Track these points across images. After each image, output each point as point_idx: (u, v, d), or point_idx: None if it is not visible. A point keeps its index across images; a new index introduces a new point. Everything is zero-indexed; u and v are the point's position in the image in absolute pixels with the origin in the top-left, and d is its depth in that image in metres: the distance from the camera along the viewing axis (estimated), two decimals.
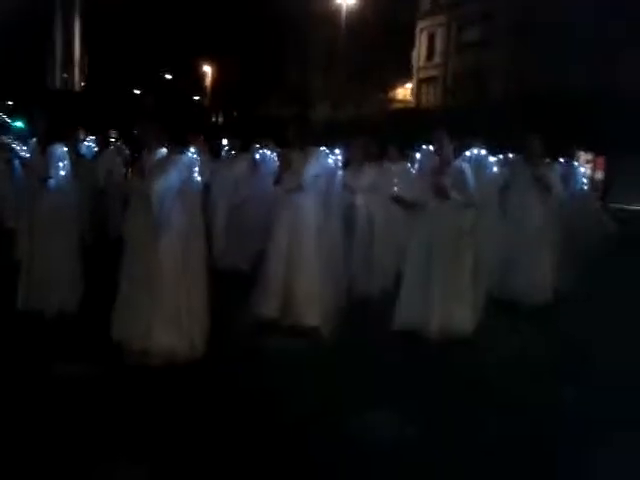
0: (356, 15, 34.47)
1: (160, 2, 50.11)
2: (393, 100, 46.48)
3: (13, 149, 8.56)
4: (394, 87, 47.15)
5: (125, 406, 3.67)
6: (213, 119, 48.26)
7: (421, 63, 41.96)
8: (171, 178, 4.06)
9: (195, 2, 49.33)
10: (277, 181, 5.46)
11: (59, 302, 5.18)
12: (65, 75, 49.89)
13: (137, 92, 51.81)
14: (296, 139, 5.40)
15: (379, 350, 4.95)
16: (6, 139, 10.38)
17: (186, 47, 51.06)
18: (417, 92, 42.36)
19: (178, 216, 4.12)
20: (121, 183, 8.57)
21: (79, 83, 50.42)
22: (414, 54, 42.61)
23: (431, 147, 5.40)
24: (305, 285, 5.08)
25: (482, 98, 33.41)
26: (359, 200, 6.37)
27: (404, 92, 46.79)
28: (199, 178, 8.26)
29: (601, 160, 24.51)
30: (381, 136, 8.52)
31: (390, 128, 21.24)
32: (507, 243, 6.43)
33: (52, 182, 5.09)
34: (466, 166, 5.17)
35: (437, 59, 40.60)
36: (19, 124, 28.70)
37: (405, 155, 8.25)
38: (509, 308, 6.12)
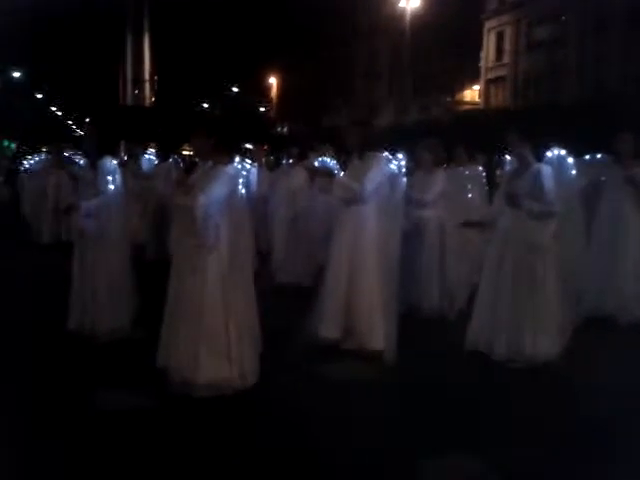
0: (421, 19, 33.78)
1: (226, 17, 51.09)
2: (460, 102, 45.41)
3: (78, 163, 8.53)
4: (461, 89, 46.08)
5: (166, 441, 3.35)
6: (278, 129, 48.65)
7: (489, 64, 40.77)
8: (216, 192, 3.73)
9: (261, 15, 50.01)
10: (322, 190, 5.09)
11: (110, 323, 4.95)
12: (136, 91, 51.62)
13: (205, 106, 53.02)
14: (355, 144, 4.96)
15: (449, 376, 4.43)
16: (72, 154, 10.43)
17: (252, 59, 51.89)
18: (485, 93, 41.15)
19: (224, 232, 3.78)
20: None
21: (149, 99, 52.05)
22: (482, 55, 41.47)
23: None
24: (368, 305, 4.63)
25: (555, 99, 31.97)
26: (428, 212, 5.82)
27: (472, 94, 45.64)
28: (256, 189, 8.07)
29: None
30: (448, 139, 7.96)
31: (457, 130, 20.49)
32: (599, 254, 5.76)
33: (102, 197, 4.87)
34: (547, 169, 4.55)
35: (506, 59, 39.31)
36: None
37: (474, 158, 7.67)
38: (604, 327, 5.44)
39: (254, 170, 7.63)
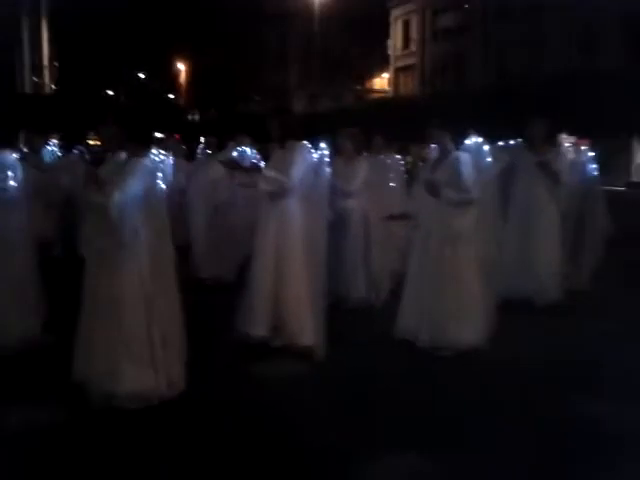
0: (330, 8, 33.85)
1: (132, 1, 49.11)
2: (370, 90, 46.10)
3: None
4: (371, 77, 46.74)
5: (83, 460, 3.09)
6: (189, 117, 47.43)
7: (397, 52, 41.49)
8: (133, 187, 3.46)
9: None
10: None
11: (17, 330, 4.55)
12: (35, 79, 48.73)
13: (110, 93, 50.82)
14: (277, 134, 4.80)
15: (378, 367, 4.41)
16: None
17: (158, 44, 50.14)
18: (394, 81, 41.88)
19: (143, 229, 3.51)
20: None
21: (50, 86, 49.31)
22: (389, 43, 42.12)
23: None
24: (296, 301, 4.50)
25: (461, 85, 33.00)
26: (352, 202, 5.75)
27: (381, 82, 46.38)
28: (174, 181, 7.72)
29: (582, 143, 24.18)
30: (362, 127, 7.95)
31: (369, 119, 20.71)
32: (514, 238, 5.91)
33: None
34: (465, 157, 4.58)
35: (413, 47, 40.12)
36: None
37: (390, 146, 7.70)
38: (520, 310, 5.60)
39: (169, 161, 7.29)
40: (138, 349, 3.45)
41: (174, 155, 7.91)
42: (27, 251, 4.73)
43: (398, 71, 41.65)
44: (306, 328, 4.44)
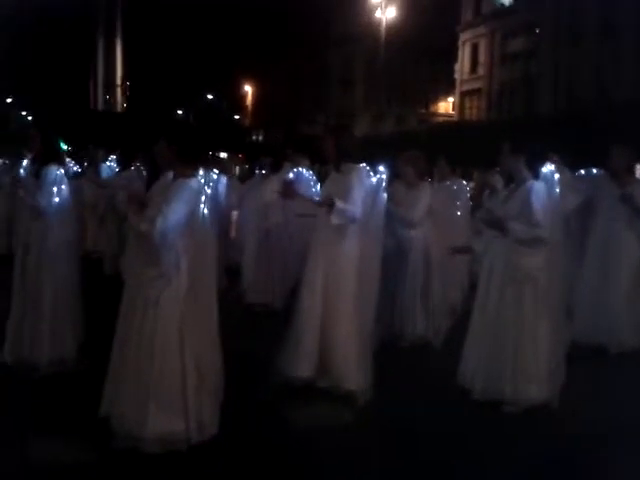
0: (397, 29, 33.62)
1: (202, 23, 50.60)
2: (435, 114, 45.55)
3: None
4: (436, 101, 46.24)
5: None
6: (254, 137, 48.13)
7: (464, 76, 40.84)
8: (177, 212, 3.16)
9: (236, 23, 49.65)
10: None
11: (53, 353, 4.36)
12: (108, 97, 50.92)
13: (179, 112, 52.28)
14: (332, 154, 4.40)
15: (428, 420, 3.92)
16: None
17: (227, 66, 51.40)
18: (460, 105, 41.19)
19: (185, 259, 3.21)
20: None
21: (121, 104, 51.32)
22: (456, 67, 41.57)
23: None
24: (344, 340, 4.08)
25: (530, 110, 32.03)
26: (413, 232, 5.25)
27: (446, 106, 45.79)
28: (227, 201, 7.52)
29: None
30: (425, 151, 7.51)
31: (434, 142, 20.21)
32: (589, 278, 5.34)
33: (45, 210, 4.29)
34: (538, 187, 3.99)
35: (481, 71, 39.41)
36: (63, 145, 28.79)
37: (455, 171, 7.24)
38: (594, 357, 5.01)
39: (223, 180, 7.08)
40: (169, 395, 3.13)
41: (229, 175, 7.71)
42: (71, 267, 4.56)
43: (464, 95, 40.97)
44: (351, 371, 4.02)
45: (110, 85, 50.94)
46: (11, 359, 4.39)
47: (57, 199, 4.33)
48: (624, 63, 27.21)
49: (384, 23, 32.14)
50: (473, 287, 5.70)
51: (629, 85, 25.97)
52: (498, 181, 7.56)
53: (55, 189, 4.33)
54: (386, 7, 31.94)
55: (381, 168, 4.42)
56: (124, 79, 53.60)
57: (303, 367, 4.06)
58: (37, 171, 4.38)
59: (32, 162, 4.52)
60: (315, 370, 4.08)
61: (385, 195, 4.38)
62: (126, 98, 53.96)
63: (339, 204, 4.04)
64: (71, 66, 46.92)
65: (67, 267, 4.51)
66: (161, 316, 3.12)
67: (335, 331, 4.09)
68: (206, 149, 3.88)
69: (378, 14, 32.36)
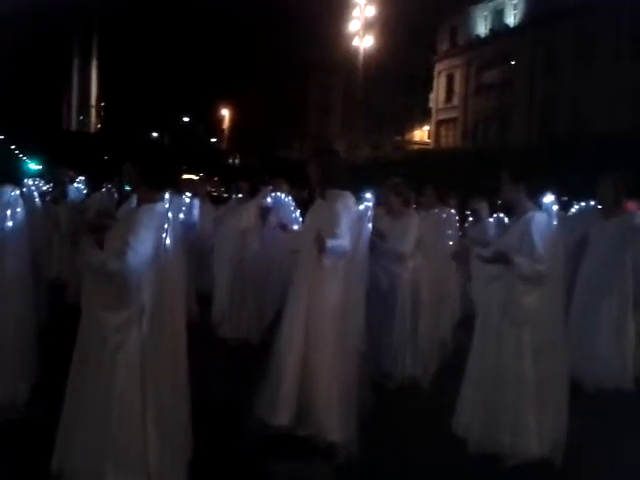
0: (374, 58, 33.84)
1: (179, 46, 50.55)
2: (410, 142, 45.92)
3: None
4: (411, 129, 46.68)
5: None
6: (230, 161, 47.86)
7: (439, 105, 41.34)
8: (144, 243, 2.74)
9: (214, 47, 49.72)
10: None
11: (2, 397, 3.88)
12: (81, 117, 50.27)
13: (155, 135, 51.88)
14: (317, 180, 4.04)
15: (420, 469, 3.55)
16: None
17: (204, 90, 51.25)
18: (436, 134, 41.58)
19: (148, 296, 2.78)
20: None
21: (95, 125, 50.69)
22: (432, 96, 42.04)
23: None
24: (325, 386, 3.68)
25: (504, 140, 32.35)
26: (401, 265, 4.86)
27: (421, 134, 46.22)
28: (200, 225, 7.11)
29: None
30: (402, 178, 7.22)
31: (409, 169, 20.10)
32: (578, 317, 5.04)
33: None
34: (540, 218, 3.68)
35: (456, 101, 39.92)
36: (34, 166, 28.06)
37: (444, 199, 6.95)
38: (589, 398, 4.68)
39: (196, 202, 6.67)
40: (128, 452, 2.69)
41: (202, 198, 7.29)
42: (24, 301, 4.09)
43: (440, 124, 41.40)
44: (333, 419, 3.61)
45: (85, 106, 50.45)
46: None
47: (10, 223, 3.89)
48: (599, 94, 27.67)
49: (361, 51, 32.33)
50: (466, 319, 5.40)
51: (605, 117, 26.36)
52: (483, 208, 7.34)
53: (9, 212, 3.89)
54: (364, 36, 32.14)
55: (367, 195, 4.08)
56: (99, 100, 53.11)
57: (281, 414, 3.64)
58: None
59: None
60: (294, 417, 3.66)
61: (370, 225, 4.02)
62: (100, 119, 53.46)
63: (330, 243, 3.66)
64: (45, 86, 46.26)
65: (20, 300, 4.05)
66: (120, 362, 2.69)
67: (317, 373, 3.68)
68: (173, 171, 3.41)
69: (356, 42, 32.54)
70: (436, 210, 6.15)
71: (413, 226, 4.94)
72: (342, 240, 3.71)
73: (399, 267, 4.81)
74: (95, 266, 2.76)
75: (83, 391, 2.76)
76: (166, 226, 2.78)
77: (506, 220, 7.96)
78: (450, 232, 5.80)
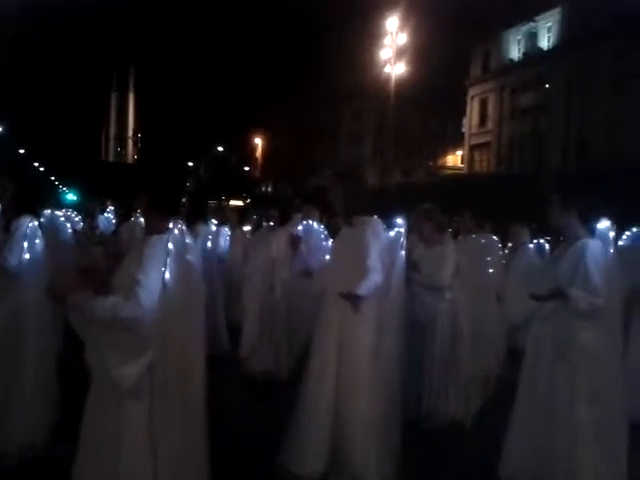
0: (406, 84, 33.81)
1: (212, 76, 51.50)
2: (443, 167, 45.52)
3: None
4: (444, 154, 46.32)
5: None
6: (262, 189, 48.19)
7: (473, 129, 40.94)
8: (154, 282, 2.46)
9: (247, 77, 50.52)
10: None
11: (20, 434, 3.68)
12: (119, 149, 51.55)
13: (190, 164, 52.70)
14: (340, 205, 3.74)
15: None
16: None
17: (238, 119, 52.01)
18: (469, 159, 41.10)
19: (163, 344, 2.48)
20: None
21: (132, 156, 51.85)
22: (465, 121, 41.68)
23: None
24: (362, 427, 3.37)
25: (540, 165, 31.72)
26: (439, 297, 4.51)
27: (454, 159, 45.77)
28: (230, 255, 6.89)
29: None
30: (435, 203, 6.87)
31: (443, 195, 19.74)
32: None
33: (15, 269, 3.68)
34: (594, 246, 3.34)
35: (490, 125, 39.47)
36: (71, 197, 28.49)
37: (482, 226, 6.60)
38: None
39: (224, 231, 6.47)
40: None
41: (231, 225, 7.09)
42: (44, 336, 3.92)
43: (473, 148, 40.95)
44: (372, 464, 3.30)
45: (122, 137, 51.86)
46: None
47: (27, 255, 3.74)
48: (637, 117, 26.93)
49: (393, 78, 32.34)
50: (511, 354, 5.01)
51: None
52: (524, 233, 6.97)
53: (26, 244, 3.74)
54: (395, 63, 32.20)
55: (399, 221, 3.80)
56: (135, 131, 54.43)
57: (313, 462, 3.33)
58: (7, 224, 3.80)
59: (2, 214, 3.93)
60: (326, 464, 3.36)
61: (403, 253, 3.72)
62: (137, 150, 54.73)
63: (361, 291, 3.37)
64: (84, 119, 47.58)
65: (40, 335, 3.88)
66: (131, 418, 2.42)
67: (352, 415, 3.37)
68: (179, 200, 3.01)
69: (387, 69, 32.59)
70: (473, 236, 5.80)
71: (449, 254, 4.60)
72: (373, 275, 3.44)
73: (436, 299, 4.48)
74: (106, 318, 2.41)
75: (93, 440, 2.51)
76: (168, 260, 2.50)
77: (547, 246, 7.61)
78: (490, 259, 5.43)
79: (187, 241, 2.66)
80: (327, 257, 5.08)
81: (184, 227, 2.70)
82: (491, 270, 5.26)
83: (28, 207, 3.86)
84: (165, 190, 2.78)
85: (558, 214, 3.47)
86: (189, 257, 2.64)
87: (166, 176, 2.83)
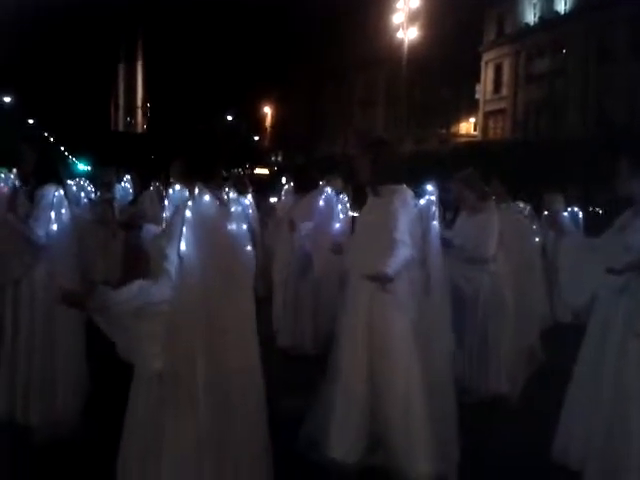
0: (418, 50, 33.08)
1: (221, 45, 50.80)
2: (456, 135, 44.85)
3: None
4: (457, 121, 45.60)
5: None
6: (272, 158, 47.86)
7: (487, 96, 40.13)
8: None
9: (256, 45, 49.82)
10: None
11: (47, 412, 3.56)
12: (128, 119, 51.33)
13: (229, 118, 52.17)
14: (367, 175, 3.45)
15: None
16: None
17: (246, 88, 51.42)
18: (483, 126, 40.41)
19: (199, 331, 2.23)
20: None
21: (142, 125, 51.63)
22: (479, 87, 40.87)
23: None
24: (402, 411, 3.13)
25: (557, 131, 31.12)
26: (483, 270, 4.27)
27: (467, 126, 45.04)
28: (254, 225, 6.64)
29: None
30: (448, 171, 6.62)
31: (457, 162, 19.38)
32: None
33: (42, 240, 3.51)
34: None
35: (504, 91, 38.67)
36: (83, 167, 28.34)
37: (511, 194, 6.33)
38: None
39: (244, 201, 6.22)
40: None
41: (245, 194, 6.81)
42: (72, 311, 3.76)
43: (487, 115, 40.22)
44: (418, 449, 3.10)
45: (131, 107, 51.65)
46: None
47: (55, 226, 3.56)
48: None
49: (406, 44, 31.61)
50: (555, 327, 4.81)
51: None
52: (559, 201, 6.71)
53: (53, 214, 3.56)
54: (408, 28, 31.43)
55: (429, 188, 3.49)
56: (144, 101, 54.19)
57: (348, 449, 3.12)
58: (30, 193, 3.61)
59: (24, 183, 3.74)
60: (364, 449, 3.16)
61: (436, 224, 3.46)
62: (147, 120, 54.54)
63: (389, 268, 3.14)
64: (94, 89, 47.22)
65: (68, 312, 3.72)
66: (171, 401, 2.24)
67: (388, 398, 3.16)
68: (213, 164, 2.72)
69: (400, 35, 31.83)
70: (515, 204, 5.54)
71: (493, 223, 4.33)
72: (401, 250, 3.18)
73: (480, 272, 4.25)
74: (135, 307, 2.17)
75: (136, 428, 2.33)
76: (202, 226, 2.27)
77: (580, 215, 7.34)
78: (535, 227, 5.18)
79: (231, 209, 2.45)
80: (343, 228, 4.84)
81: (230, 194, 2.49)
82: (537, 239, 5.03)
83: (53, 175, 3.66)
84: (197, 154, 2.52)
85: (626, 180, 3.18)
86: (233, 226, 2.43)
87: (197, 139, 2.58)
